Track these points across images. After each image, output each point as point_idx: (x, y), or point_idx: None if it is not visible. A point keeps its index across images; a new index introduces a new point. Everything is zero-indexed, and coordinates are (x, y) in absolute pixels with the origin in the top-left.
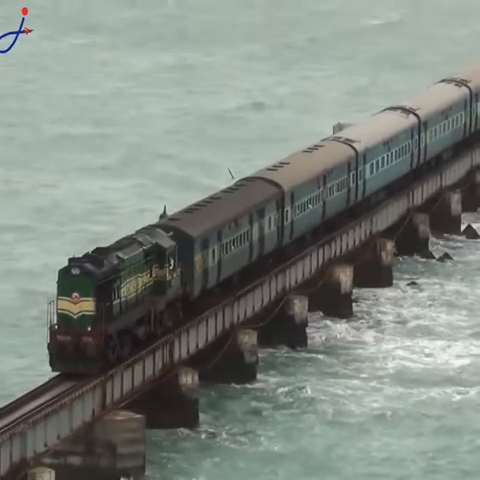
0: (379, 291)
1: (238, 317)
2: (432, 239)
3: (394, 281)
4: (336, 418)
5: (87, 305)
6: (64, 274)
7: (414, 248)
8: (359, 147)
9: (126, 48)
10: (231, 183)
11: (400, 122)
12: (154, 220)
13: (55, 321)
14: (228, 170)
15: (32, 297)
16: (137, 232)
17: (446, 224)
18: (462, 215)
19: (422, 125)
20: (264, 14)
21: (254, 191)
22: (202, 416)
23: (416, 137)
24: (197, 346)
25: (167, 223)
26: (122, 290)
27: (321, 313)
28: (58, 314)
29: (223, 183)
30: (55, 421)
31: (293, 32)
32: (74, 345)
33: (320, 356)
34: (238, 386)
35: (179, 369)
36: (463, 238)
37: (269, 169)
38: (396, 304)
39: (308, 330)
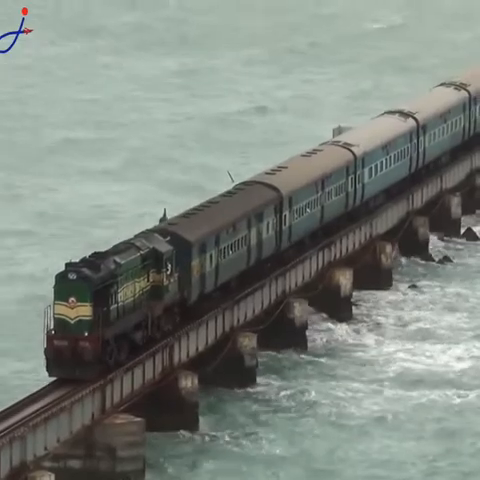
0: (379, 294)
1: (238, 320)
2: (432, 242)
3: (394, 284)
4: (337, 421)
5: (84, 310)
6: (61, 279)
7: (414, 251)
8: (357, 151)
9: (128, 52)
10: (231, 186)
11: (399, 126)
12: (156, 224)
13: (52, 326)
14: (228, 173)
15: (33, 301)
16: (134, 237)
17: (446, 227)
18: (462, 218)
19: (421, 129)
20: (265, 18)
21: (252, 195)
22: (202, 419)
23: (415, 141)
24: (197, 349)
25: (164, 228)
26: (119, 295)
27: (322, 316)
28: (55, 319)
29: (225, 187)
30: (55, 424)
31: (295, 36)
32: (71, 350)
33: (320, 359)
34: (238, 389)
35: (179, 372)
36: (463, 241)
37: (267, 173)
38: (396, 307)
39: (308, 333)
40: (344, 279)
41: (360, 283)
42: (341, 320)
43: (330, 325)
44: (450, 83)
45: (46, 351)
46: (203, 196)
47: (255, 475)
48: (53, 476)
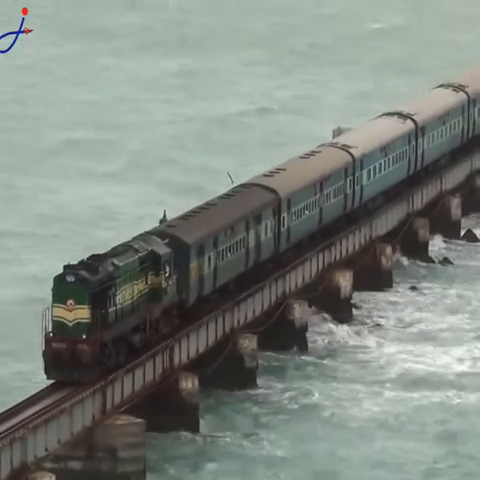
0: (379, 295)
1: (238, 321)
2: (436, 243)
3: (394, 285)
4: (338, 422)
5: (82, 312)
6: (59, 281)
7: (414, 252)
8: (356, 153)
9: (128, 53)
10: (231, 187)
11: (397, 128)
12: (156, 225)
13: (50, 328)
14: (227, 174)
15: (34, 303)
16: (133, 239)
17: (446, 228)
18: (462, 219)
19: (419, 131)
20: (265, 19)
21: (250, 197)
22: (202, 421)
23: (413, 143)
24: (197, 351)
25: (163, 230)
26: (117, 297)
27: (322, 317)
28: (53, 321)
29: (225, 188)
30: (55, 426)
31: (295, 37)
32: (69, 353)
33: (321, 360)
34: (238, 391)
35: (179, 374)
36: (463, 242)
37: (265, 175)
38: (397, 308)
39: (309, 334)
40: (344, 280)
41: (360, 285)
42: (341, 321)
43: (330, 326)
44: (449, 85)
45: (44, 354)
46: (204, 197)
47: (256, 476)
48: (54, 477)
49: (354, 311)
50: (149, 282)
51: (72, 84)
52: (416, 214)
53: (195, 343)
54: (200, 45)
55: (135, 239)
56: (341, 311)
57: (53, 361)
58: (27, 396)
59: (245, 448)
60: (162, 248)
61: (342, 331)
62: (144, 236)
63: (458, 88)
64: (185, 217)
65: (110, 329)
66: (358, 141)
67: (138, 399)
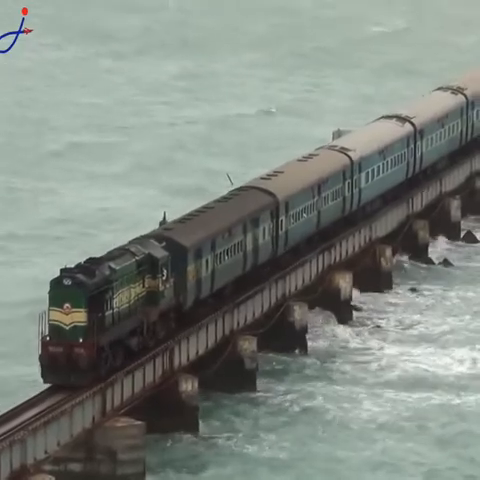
0: (379, 297)
1: (238, 323)
2: (432, 245)
3: (394, 287)
4: (338, 424)
5: (79, 316)
6: (56, 285)
7: (414, 254)
8: (354, 156)
9: (130, 56)
10: (230, 189)
11: (396, 130)
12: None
13: (47, 332)
14: (227, 176)
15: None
16: (130, 242)
17: (446, 230)
18: (462, 221)
19: (418, 133)
20: (267, 21)
21: (248, 200)
22: (202, 422)
23: (412, 146)
24: (197, 353)
25: (160, 233)
26: (114, 301)
27: (322, 319)
28: (50, 325)
29: (226, 190)
30: (55, 428)
31: (296, 39)
32: (66, 356)
33: (321, 362)
34: (238, 393)
35: (179, 376)
36: (463, 244)
37: (263, 178)
38: (397, 310)
39: (308, 336)
40: (344, 282)
41: (360, 286)
42: (341, 323)
43: (330, 328)
44: (447, 87)
45: (41, 357)
46: (206, 199)
47: (256, 478)
48: (53, 479)
49: (354, 313)
50: (146, 285)
51: (74, 87)
52: (416, 216)
53: (195, 345)
54: (201, 47)
55: (132, 242)
56: (341, 313)
57: (50, 365)
58: (27, 398)
59: (245, 450)
60: (159, 251)
61: (342, 333)
62: (141, 239)
63: (457, 91)
64: (182, 220)
65: (107, 333)
66: (356, 144)
67: (138, 401)
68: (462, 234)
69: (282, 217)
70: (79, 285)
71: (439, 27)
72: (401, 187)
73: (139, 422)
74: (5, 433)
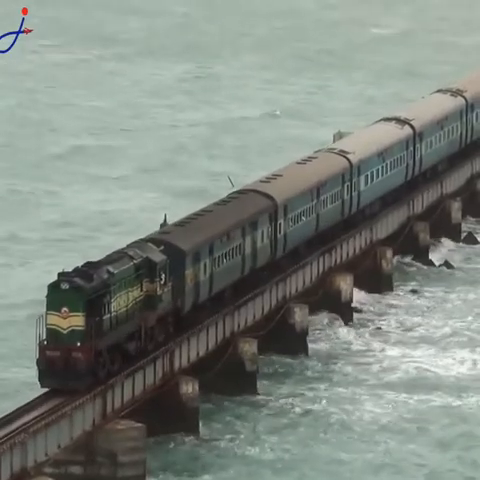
0: (380, 299)
1: (238, 325)
2: (432, 247)
3: (395, 289)
4: (340, 425)
5: (77, 320)
6: (53, 289)
7: (414, 256)
8: (353, 158)
9: (133, 58)
10: (231, 191)
11: (395, 133)
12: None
13: (44, 336)
14: (228, 178)
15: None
16: (128, 246)
17: (446, 232)
18: (462, 223)
19: (417, 136)
20: (271, 24)
21: (247, 204)
22: (203, 425)
23: (411, 148)
24: (198, 355)
25: (158, 237)
26: (112, 305)
27: (322, 321)
28: (47, 329)
29: (227, 192)
30: (56, 430)
31: (300, 42)
32: (63, 361)
33: (321, 364)
34: (239, 395)
35: (179, 378)
36: (464, 246)
37: (262, 181)
38: (398, 312)
39: (309, 338)
40: (345, 284)
41: (361, 288)
42: (342, 325)
43: (331, 330)
44: (447, 89)
45: (38, 362)
46: (208, 202)
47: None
48: None
49: (355, 314)
50: (144, 289)
51: (76, 89)
52: (417, 218)
53: (195, 347)
54: (204, 50)
55: (130, 246)
56: (342, 315)
57: (47, 369)
58: (27, 401)
59: (247, 452)
60: (157, 255)
61: (343, 335)
62: (139, 243)
63: (456, 93)
64: (181, 224)
65: (105, 337)
66: (355, 147)
67: (138, 403)
68: (463, 236)
69: (281, 220)
70: (77, 289)
71: (441, 29)
72: (400, 190)
73: (139, 424)
74: (6, 435)
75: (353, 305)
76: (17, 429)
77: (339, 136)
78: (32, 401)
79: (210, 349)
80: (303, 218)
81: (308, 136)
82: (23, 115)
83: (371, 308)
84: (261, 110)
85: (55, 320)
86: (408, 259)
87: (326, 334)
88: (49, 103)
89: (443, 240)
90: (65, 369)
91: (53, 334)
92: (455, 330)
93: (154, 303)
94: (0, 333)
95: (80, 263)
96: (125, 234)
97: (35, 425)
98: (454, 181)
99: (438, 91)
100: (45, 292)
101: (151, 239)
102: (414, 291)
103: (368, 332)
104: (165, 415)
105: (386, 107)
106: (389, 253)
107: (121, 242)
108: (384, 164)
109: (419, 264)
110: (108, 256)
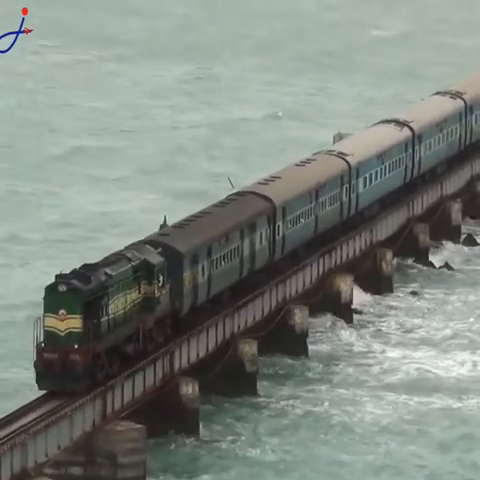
0: (380, 300)
1: (239, 327)
2: (432, 249)
3: (395, 291)
4: (341, 427)
5: (74, 322)
6: (51, 291)
7: (414, 257)
8: (352, 160)
9: (133, 59)
10: (231, 192)
11: (394, 135)
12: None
13: (42, 338)
14: (228, 179)
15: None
16: (125, 248)
17: (446, 233)
18: (462, 225)
19: (416, 138)
20: (271, 25)
21: (245, 206)
22: (203, 426)
23: (410, 150)
24: (198, 356)
25: (156, 239)
26: (110, 307)
27: (322, 322)
28: (45, 331)
29: (227, 193)
30: (56, 431)
31: (300, 43)
32: (61, 363)
33: (321, 365)
34: (239, 396)
35: (179, 379)
36: (463, 247)
37: (260, 183)
38: (398, 313)
39: (309, 339)
40: (345, 285)
41: (361, 289)
42: (342, 326)
43: (331, 331)
44: (446, 92)
45: (36, 364)
46: (208, 203)
47: None
48: None
49: (355, 316)
50: (142, 291)
51: (76, 90)
52: (416, 219)
53: (195, 348)
54: (204, 51)
55: (128, 248)
56: (342, 316)
57: (45, 371)
58: (27, 401)
59: (247, 453)
60: (155, 257)
61: (343, 336)
62: (137, 245)
63: (455, 95)
64: (179, 226)
65: (103, 339)
66: (354, 149)
67: (138, 404)
68: (462, 237)
69: (279, 222)
70: (74, 291)
71: (441, 30)
72: (399, 192)
73: (139, 425)
74: (6, 436)
75: (353, 306)
76: (17, 430)
77: (339, 137)
78: (32, 402)
79: (210, 350)
80: (302, 220)
81: (309, 137)
82: (23, 116)
83: (371, 309)
84: (262, 111)
85: (52, 322)
86: (408, 261)
87: (326, 335)
88: (49, 104)
89: (443, 242)
90: (63, 371)
91: (50, 336)
92: (455, 332)
93: (152, 305)
94: (0, 334)
95: (80, 264)
96: (125, 235)
97: (35, 426)
98: (454, 183)
99: (437, 93)
100: (43, 293)
101: (149, 241)
102: (414, 293)
103: (369, 333)
104: (165, 416)
105: (386, 108)
106: (389, 255)
107: (121, 243)
108: (383, 166)
109: (419, 266)
110: (106, 258)
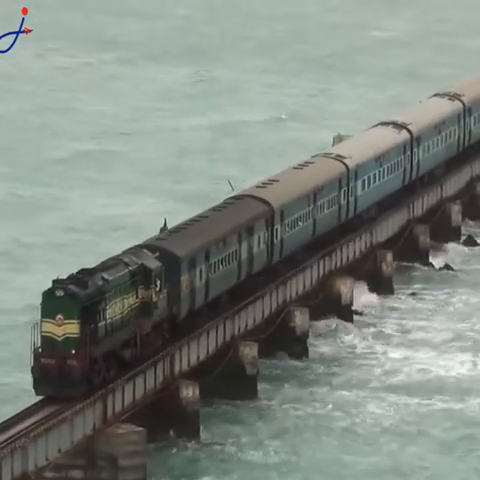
0: (381, 302)
1: (239, 329)
2: (432, 250)
3: (395, 292)
4: (342, 428)
5: (71, 327)
6: (48, 296)
7: (415, 259)
8: (350, 163)
9: (136, 62)
10: (230, 195)
11: (392, 137)
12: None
13: (39, 344)
14: (228, 182)
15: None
16: (123, 252)
17: (446, 235)
18: (462, 226)
19: (415, 140)
20: (270, 26)
21: (243, 209)
22: (203, 428)
23: (408, 153)
24: (198, 358)
25: (153, 243)
26: (107, 312)
27: (323, 324)
28: (42, 337)
29: (227, 196)
30: (56, 435)
31: (301, 45)
32: (58, 368)
33: (322, 367)
34: (239, 398)
35: (180, 382)
36: (464, 248)
37: (258, 186)
38: (398, 315)
39: (310, 341)
40: (345, 287)
41: (361, 291)
42: (343, 328)
43: (332, 333)
44: (444, 93)
45: (33, 369)
46: (210, 206)
47: None
48: None
49: (356, 318)
50: (139, 296)
51: (78, 93)
52: (416, 220)
53: (196, 351)
54: (206, 53)
55: (125, 253)
56: (342, 318)
57: (42, 377)
58: (27, 405)
59: (248, 456)
60: (152, 262)
61: (344, 338)
62: (134, 250)
63: (454, 97)
64: (176, 230)
65: (100, 344)
66: (352, 151)
67: (139, 407)
68: (462, 239)
69: (277, 226)
70: (71, 296)
71: (443, 31)
72: (398, 195)
73: (140, 428)
74: (6, 440)
75: (357, 308)
76: (18, 433)
77: (339, 139)
78: (32, 406)
79: (210, 353)
80: (300, 223)
81: (310, 139)
82: (24, 119)
83: (372, 311)
84: (264, 113)
85: (50, 327)
86: (408, 262)
87: (327, 337)
88: (50, 107)
89: (443, 243)
90: (60, 377)
91: (48, 342)
92: (457, 333)
93: (149, 310)
94: (1, 337)
95: (83, 267)
96: (128, 239)
97: (36, 429)
98: (454, 184)
99: (435, 95)
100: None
101: (146, 245)
102: (415, 294)
103: (369, 335)
104: (166, 419)
105: (388, 110)
106: (389, 256)
107: (123, 247)
108: (381, 169)
109: (419, 267)
110: (103, 263)
